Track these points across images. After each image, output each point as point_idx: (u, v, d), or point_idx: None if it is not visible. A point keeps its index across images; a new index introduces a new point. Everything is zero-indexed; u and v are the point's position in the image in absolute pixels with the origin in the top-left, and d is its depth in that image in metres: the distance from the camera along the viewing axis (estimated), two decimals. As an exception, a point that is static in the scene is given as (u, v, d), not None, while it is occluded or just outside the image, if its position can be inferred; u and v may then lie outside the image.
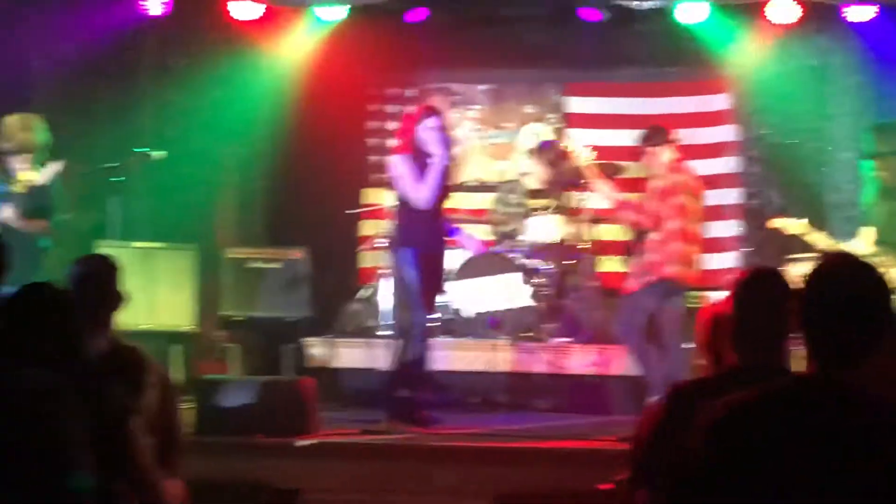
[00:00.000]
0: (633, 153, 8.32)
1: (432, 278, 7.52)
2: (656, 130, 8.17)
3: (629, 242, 8.22)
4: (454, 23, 10.25)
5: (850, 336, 2.57)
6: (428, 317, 7.47)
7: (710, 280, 9.89)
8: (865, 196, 8.28)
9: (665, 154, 7.97)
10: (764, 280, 3.27)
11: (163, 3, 9.31)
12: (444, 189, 7.53)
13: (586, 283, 9.40)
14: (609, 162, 8.84)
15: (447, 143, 7.41)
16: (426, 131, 7.39)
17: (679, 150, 8.12)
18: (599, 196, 8.48)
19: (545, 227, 9.28)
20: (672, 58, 10.36)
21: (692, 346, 7.90)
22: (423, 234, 7.35)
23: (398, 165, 7.39)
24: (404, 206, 7.39)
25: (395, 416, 7.19)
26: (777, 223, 8.39)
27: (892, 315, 2.64)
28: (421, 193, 7.34)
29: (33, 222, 7.32)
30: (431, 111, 7.63)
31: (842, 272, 2.64)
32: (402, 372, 7.41)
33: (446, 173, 7.48)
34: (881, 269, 2.67)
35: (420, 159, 7.38)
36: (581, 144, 8.57)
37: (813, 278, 2.64)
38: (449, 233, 7.86)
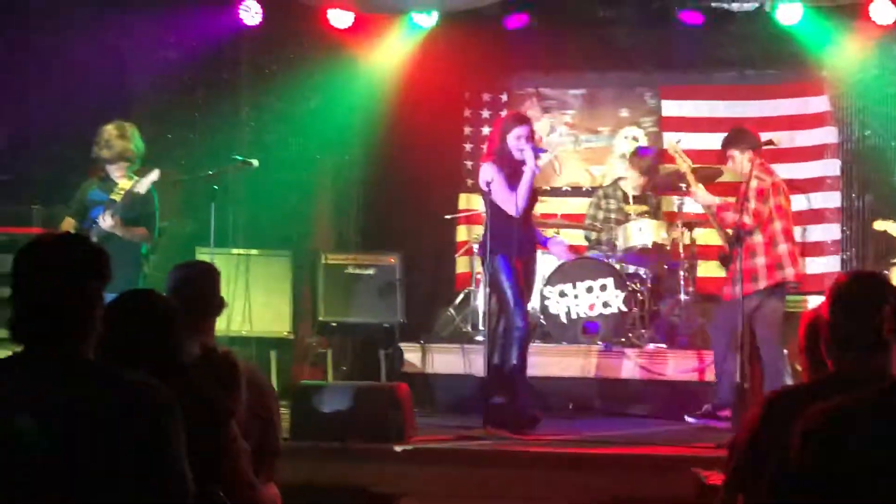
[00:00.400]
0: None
1: (525, 284, 7.52)
2: (738, 133, 8.10)
3: (727, 248, 8.11)
4: (548, 27, 10.22)
5: None
6: (524, 322, 7.46)
7: (810, 284, 9.77)
8: None
9: (750, 156, 7.88)
10: (861, 284, 3.21)
11: (259, 13, 9.43)
12: (534, 195, 7.54)
13: (682, 289, 9.31)
14: (708, 166, 8.77)
15: (536, 150, 7.42)
16: (515, 140, 7.40)
17: (763, 153, 8.01)
18: (697, 200, 8.40)
19: (641, 232, 9.21)
20: (770, 60, 10.24)
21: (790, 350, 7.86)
22: (515, 240, 7.34)
23: (489, 173, 7.39)
24: (496, 213, 7.39)
25: (491, 421, 7.18)
26: (880, 226, 8.24)
27: None
28: (512, 201, 7.33)
29: (133, 230, 7.44)
30: (520, 119, 7.65)
31: None
32: (498, 377, 7.41)
33: (533, 183, 7.49)
34: None
35: (509, 166, 7.39)
36: (680, 149, 8.51)
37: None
38: (540, 242, 7.87)
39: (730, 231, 7.96)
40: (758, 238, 7.81)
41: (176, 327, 3.55)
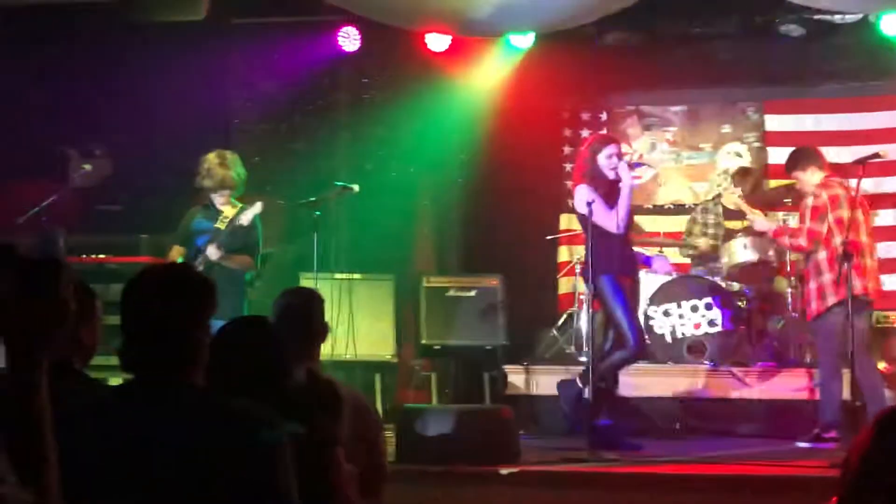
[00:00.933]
0: (841, 171, 8.11)
1: (631, 301, 7.49)
2: (797, 153, 8.04)
3: (801, 268, 8.05)
4: (647, 43, 10.15)
5: None
6: (636, 341, 7.42)
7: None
8: None
9: (814, 175, 7.79)
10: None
11: (357, 39, 9.52)
12: (630, 214, 7.54)
13: (789, 305, 9.16)
14: (784, 183, 8.69)
15: (632, 165, 7.44)
16: (607, 159, 7.43)
17: (828, 166, 7.90)
18: (755, 227, 8.40)
19: (744, 249, 9.09)
20: (875, 71, 10.04)
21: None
22: (618, 259, 7.34)
23: (586, 194, 7.38)
24: (597, 234, 7.37)
25: (596, 443, 7.13)
26: None
27: None
28: (613, 220, 7.32)
29: (238, 258, 7.55)
30: (607, 139, 7.75)
31: None
32: (602, 398, 7.36)
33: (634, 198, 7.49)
34: None
35: (603, 186, 7.40)
36: (730, 188, 8.54)
37: None
38: (642, 261, 7.87)
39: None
40: (822, 255, 7.71)
41: (282, 354, 3.58)
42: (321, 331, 4.49)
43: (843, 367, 7.60)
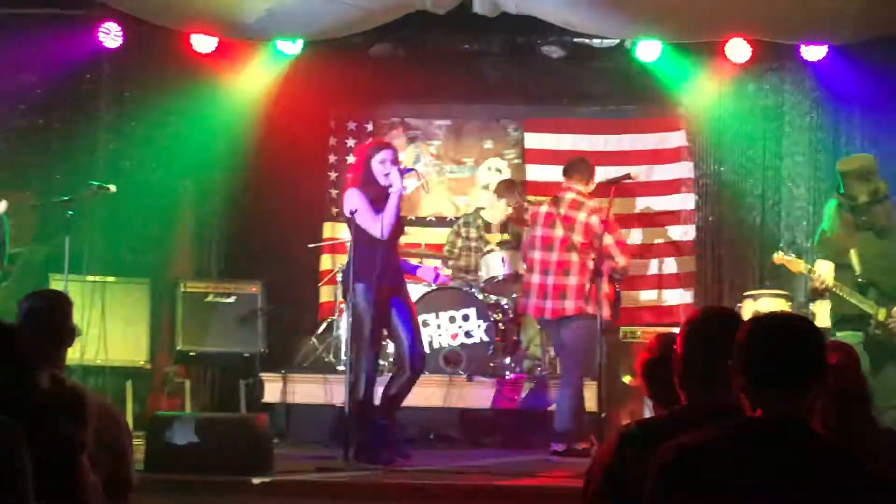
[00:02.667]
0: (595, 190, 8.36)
1: (387, 313, 7.45)
2: (566, 165, 8.29)
3: None
4: (415, 57, 10.28)
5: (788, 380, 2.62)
6: (371, 355, 7.39)
7: (666, 315, 9.98)
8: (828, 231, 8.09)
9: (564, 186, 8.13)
10: (716, 319, 3.26)
11: (119, 36, 9.28)
12: (399, 223, 7.53)
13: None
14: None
15: (400, 175, 7.43)
16: (380, 164, 7.41)
17: (575, 181, 8.12)
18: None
19: (501, 263, 9.27)
20: (630, 95, 10.44)
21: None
22: (378, 268, 7.29)
23: (353, 199, 7.37)
24: (360, 240, 7.36)
25: (351, 453, 7.13)
26: (779, 259, 8.19)
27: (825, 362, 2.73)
28: (378, 224, 7.31)
29: (-20, 257, 7.25)
30: (383, 144, 7.71)
31: (779, 325, 2.70)
32: (357, 408, 7.35)
33: (400, 206, 7.47)
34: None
35: (374, 192, 7.38)
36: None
37: (752, 328, 2.70)
38: (408, 270, 7.89)
39: None
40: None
41: (24, 358, 3.45)
42: (68, 335, 4.33)
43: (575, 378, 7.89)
